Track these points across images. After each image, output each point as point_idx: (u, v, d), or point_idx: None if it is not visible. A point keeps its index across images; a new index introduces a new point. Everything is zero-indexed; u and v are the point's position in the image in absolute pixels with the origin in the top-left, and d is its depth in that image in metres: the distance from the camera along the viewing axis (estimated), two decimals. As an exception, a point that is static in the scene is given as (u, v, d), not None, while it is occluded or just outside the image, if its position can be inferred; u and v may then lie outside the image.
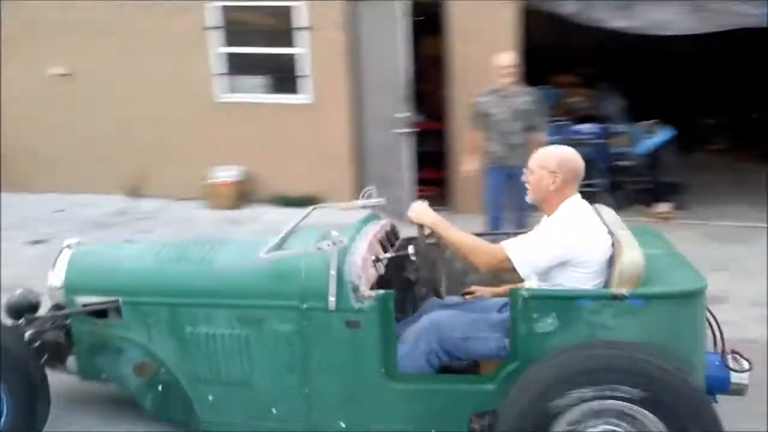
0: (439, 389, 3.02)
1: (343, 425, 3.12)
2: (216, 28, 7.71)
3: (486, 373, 3.05)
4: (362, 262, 3.10)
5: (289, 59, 7.66)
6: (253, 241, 3.42)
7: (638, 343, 2.68)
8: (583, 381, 2.62)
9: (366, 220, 3.54)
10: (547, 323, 2.80)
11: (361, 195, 3.66)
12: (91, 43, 7.95)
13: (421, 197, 3.80)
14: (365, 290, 3.02)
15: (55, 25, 7.98)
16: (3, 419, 3.35)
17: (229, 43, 7.79)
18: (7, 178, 8.29)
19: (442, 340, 3.04)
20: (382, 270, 3.25)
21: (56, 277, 3.60)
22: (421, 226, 3.12)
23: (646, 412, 2.61)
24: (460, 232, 3.08)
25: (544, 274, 2.97)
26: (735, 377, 2.98)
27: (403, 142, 6.83)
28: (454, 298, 3.47)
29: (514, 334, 2.85)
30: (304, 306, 3.07)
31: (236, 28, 7.79)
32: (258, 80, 7.97)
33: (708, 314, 3.03)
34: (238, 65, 7.88)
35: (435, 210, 3.14)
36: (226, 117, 7.84)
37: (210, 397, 3.35)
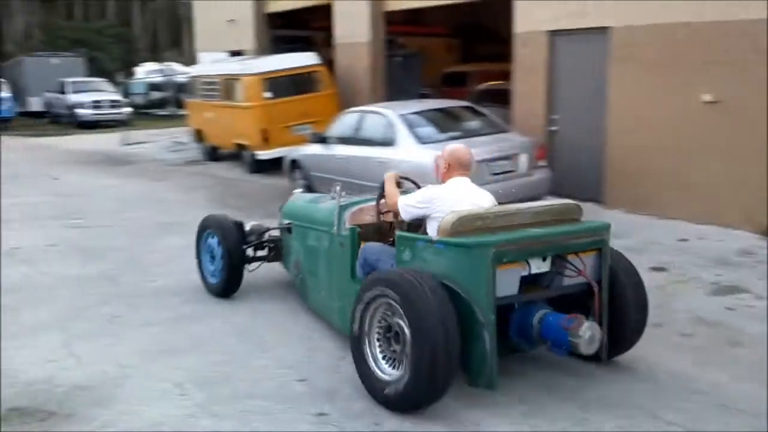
0: None
1: (337, 305, 4.96)
2: None
3: None
4: (357, 210, 5.07)
5: None
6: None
7: (427, 272, 3.96)
8: (374, 284, 4.07)
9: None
10: (407, 255, 4.23)
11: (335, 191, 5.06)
12: (741, 71, 7.56)
13: None
14: (347, 225, 4.88)
15: (706, 52, 7.86)
16: (217, 279, 6.03)
17: None
18: (637, 198, 8.58)
19: (367, 259, 4.67)
20: (380, 219, 4.92)
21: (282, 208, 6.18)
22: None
23: (402, 312, 3.88)
24: (393, 188, 4.70)
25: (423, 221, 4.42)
26: (570, 336, 3.93)
27: None
28: None
29: (397, 261, 4.32)
30: (330, 231, 5.01)
31: None
32: None
33: (593, 284, 4.15)
34: None
35: None
36: None
37: (309, 284, 5.52)
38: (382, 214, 4.85)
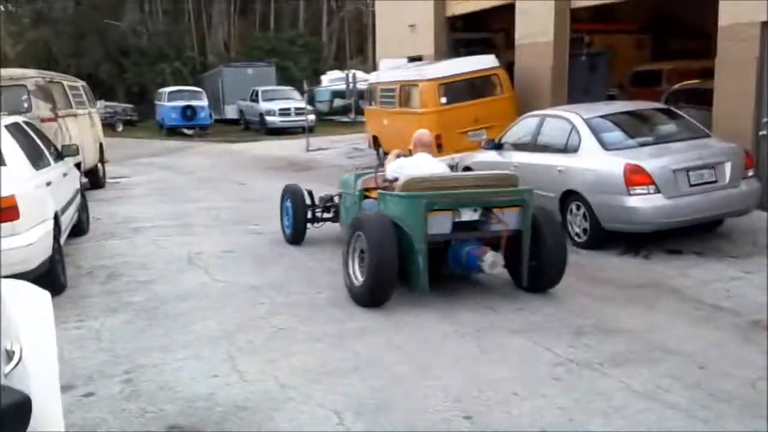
0: None
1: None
2: None
3: None
4: (369, 178, 7.19)
5: None
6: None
7: (385, 215, 6.00)
8: (354, 223, 6.12)
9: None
10: (382, 205, 6.19)
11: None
12: None
13: None
14: (359, 188, 7.16)
15: None
16: (289, 230, 8.40)
17: None
18: None
19: (364, 210, 6.72)
20: (377, 185, 6.85)
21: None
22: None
23: (365, 240, 5.77)
24: (392, 158, 6.83)
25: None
26: (478, 261, 5.72)
27: None
28: None
29: (378, 209, 6.32)
30: (353, 192, 7.27)
31: None
32: None
33: (504, 230, 5.87)
34: None
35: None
36: None
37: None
38: (386, 182, 6.62)
